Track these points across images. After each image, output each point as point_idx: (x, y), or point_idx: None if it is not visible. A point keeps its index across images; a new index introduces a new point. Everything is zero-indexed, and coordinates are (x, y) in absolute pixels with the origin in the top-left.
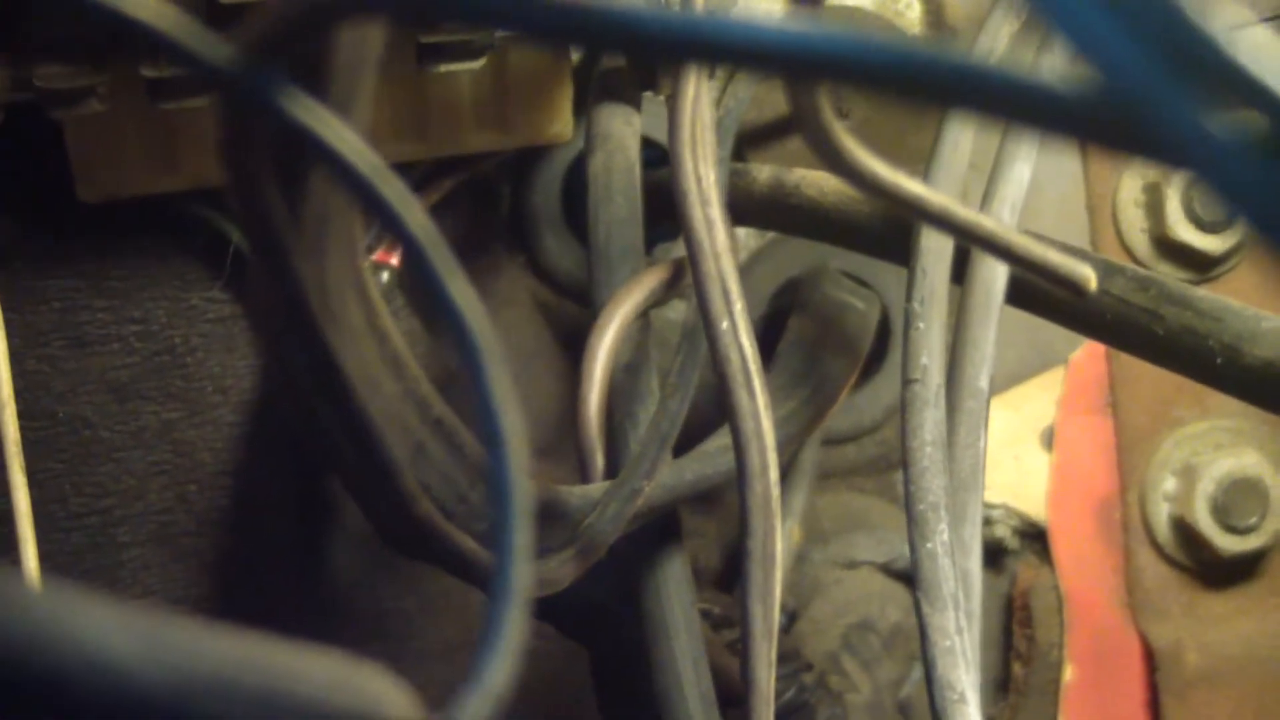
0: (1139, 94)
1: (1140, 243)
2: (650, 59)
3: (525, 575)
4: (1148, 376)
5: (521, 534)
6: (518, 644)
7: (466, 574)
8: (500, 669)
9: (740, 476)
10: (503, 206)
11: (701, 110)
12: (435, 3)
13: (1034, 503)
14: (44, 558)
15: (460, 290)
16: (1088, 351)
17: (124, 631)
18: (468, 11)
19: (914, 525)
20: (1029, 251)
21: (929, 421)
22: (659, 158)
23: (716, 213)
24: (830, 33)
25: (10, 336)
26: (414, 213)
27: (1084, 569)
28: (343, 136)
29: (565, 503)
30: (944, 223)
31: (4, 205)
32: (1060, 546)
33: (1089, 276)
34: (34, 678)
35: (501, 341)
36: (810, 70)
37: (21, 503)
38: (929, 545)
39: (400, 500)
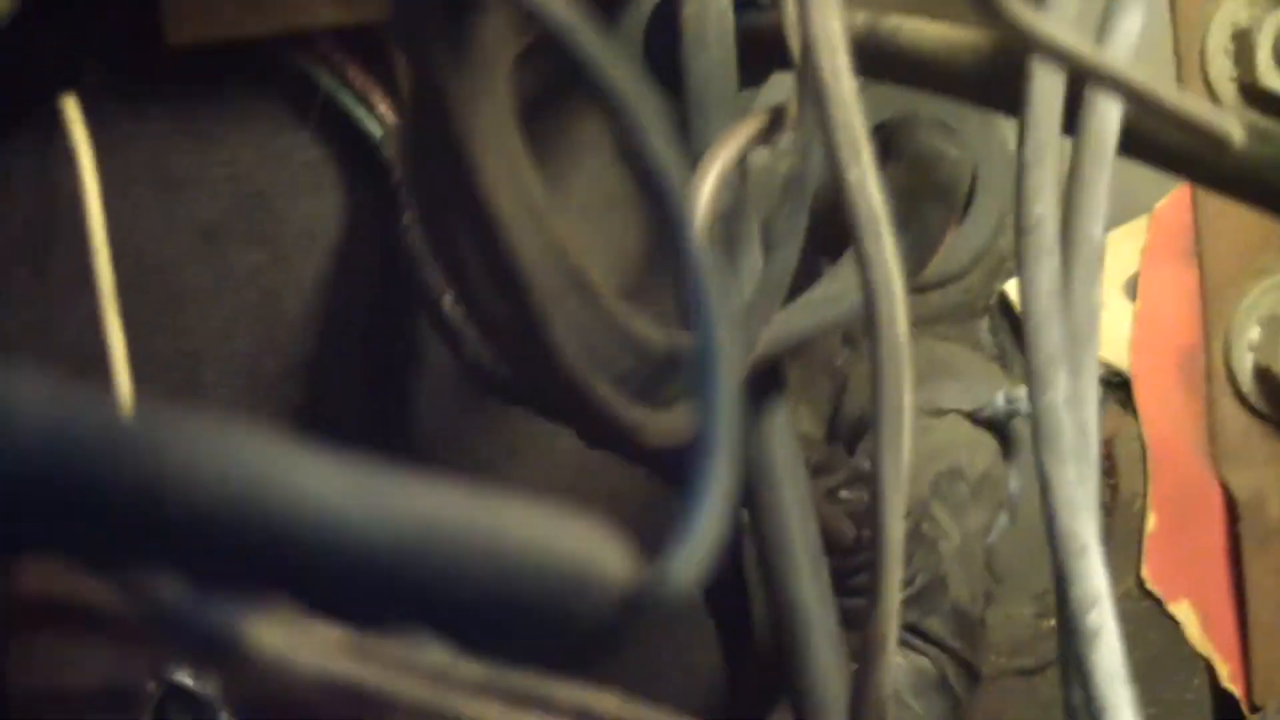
0: None
1: (1229, 91)
2: None
3: (734, 428)
4: (1233, 225)
5: (728, 385)
6: (727, 496)
7: (598, 425)
8: (711, 517)
9: (871, 326)
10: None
11: None
12: None
13: (1118, 351)
14: (133, 400)
15: (661, 146)
16: (1173, 200)
17: (343, 483)
18: None
19: (1032, 377)
20: (1175, 104)
21: (1045, 272)
22: (741, 4)
23: (843, 61)
24: None
25: (100, 180)
26: (615, 62)
27: (1167, 418)
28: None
29: (681, 351)
30: (1084, 67)
31: (93, 49)
32: (1144, 395)
33: (1233, 130)
34: (256, 532)
35: (583, 186)
36: None
37: (116, 344)
38: (1048, 398)
39: (547, 349)
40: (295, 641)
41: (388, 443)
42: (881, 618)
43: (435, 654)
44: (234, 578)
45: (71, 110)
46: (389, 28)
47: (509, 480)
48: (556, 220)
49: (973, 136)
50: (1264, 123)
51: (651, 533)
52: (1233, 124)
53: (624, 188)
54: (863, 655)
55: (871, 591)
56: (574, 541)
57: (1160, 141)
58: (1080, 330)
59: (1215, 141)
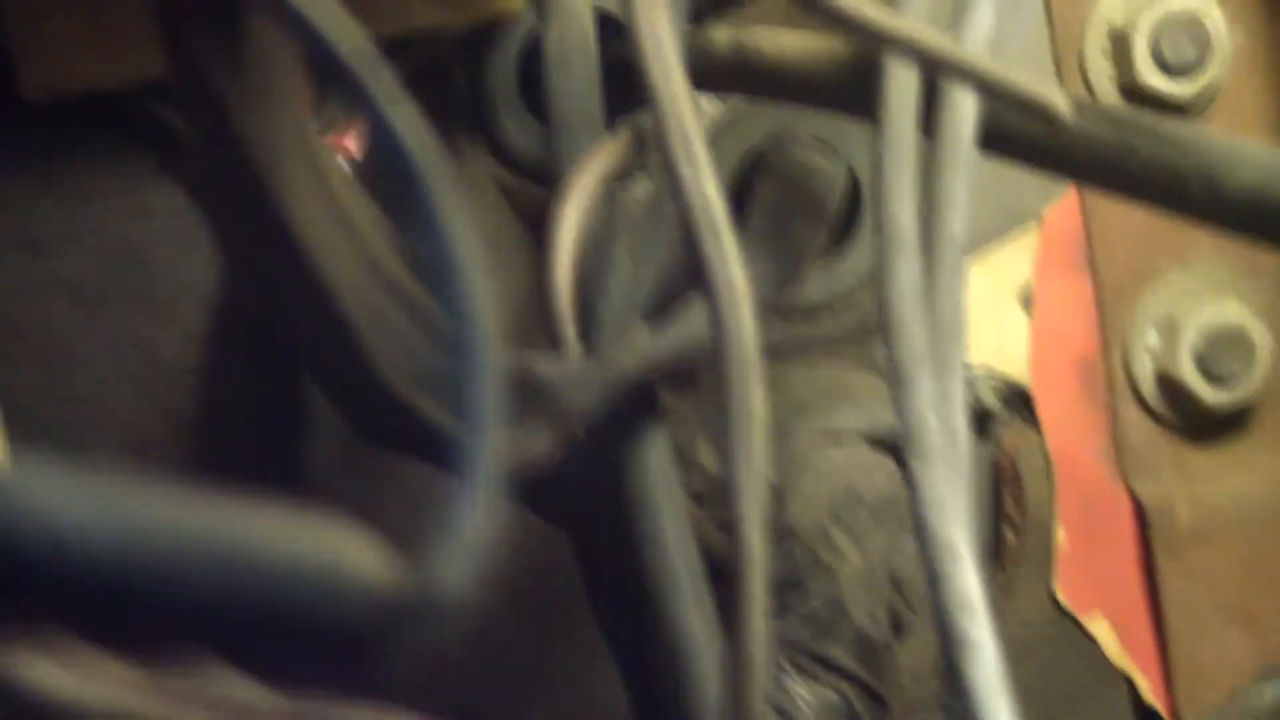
0: None
1: (1109, 92)
2: None
3: (497, 424)
4: (1124, 229)
5: (491, 383)
6: (493, 496)
7: (435, 446)
8: (478, 517)
9: (716, 329)
10: (458, 90)
11: None
12: None
13: (1016, 364)
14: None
15: (404, 115)
16: (1062, 207)
17: (74, 496)
18: None
19: (896, 379)
20: (1001, 77)
21: (904, 271)
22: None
23: (672, 57)
24: None
25: None
26: (349, 31)
27: (1070, 429)
28: (327, 13)
29: (539, 373)
30: (913, 50)
31: None
32: (1045, 407)
33: (1061, 103)
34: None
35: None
36: None
37: None
38: (914, 400)
39: (362, 366)
40: (80, 679)
41: (280, 499)
42: (749, 639)
43: (228, 686)
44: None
45: None
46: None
47: (406, 529)
48: (371, 233)
49: (858, 155)
50: (1100, 111)
51: (557, 572)
52: (1061, 98)
53: (504, 227)
54: (731, 681)
55: (734, 612)
56: (325, 544)
57: (1008, 131)
58: (945, 329)
59: (1049, 117)
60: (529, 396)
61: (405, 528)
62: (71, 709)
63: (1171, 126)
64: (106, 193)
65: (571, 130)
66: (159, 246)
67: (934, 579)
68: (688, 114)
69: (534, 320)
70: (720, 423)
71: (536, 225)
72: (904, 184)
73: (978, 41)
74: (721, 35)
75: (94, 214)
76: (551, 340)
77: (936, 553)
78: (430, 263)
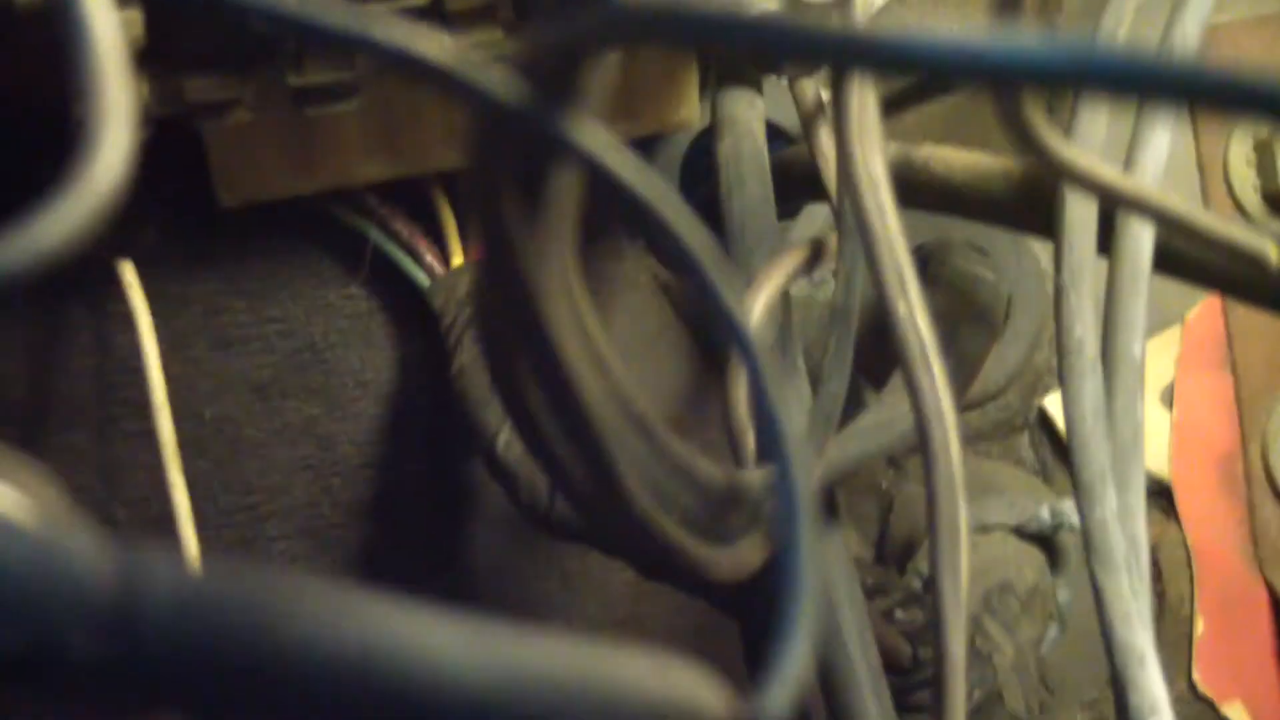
0: None
1: (1252, 200)
2: (844, 70)
3: (815, 565)
4: (1265, 331)
5: (810, 527)
6: (812, 631)
7: (671, 564)
8: (797, 655)
9: (925, 455)
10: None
11: (866, 94)
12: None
13: (1158, 460)
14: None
15: (736, 305)
16: (1204, 309)
17: (451, 637)
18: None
19: (1081, 494)
20: (1215, 230)
21: (1089, 391)
22: (772, 137)
23: (886, 198)
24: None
25: (158, 341)
26: (694, 231)
27: (1210, 523)
28: (625, 162)
29: (749, 485)
30: (1139, 207)
31: (149, 213)
32: (1185, 502)
33: (1270, 251)
34: (376, 696)
35: (625, 322)
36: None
37: (181, 503)
38: (1098, 513)
39: (619, 494)
40: None
41: (447, 584)
42: None
43: None
44: None
45: (129, 275)
46: (462, 185)
47: (566, 613)
48: (617, 366)
49: (1004, 257)
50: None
51: (708, 659)
52: (1268, 245)
53: (662, 323)
54: None
55: (937, 711)
56: (675, 684)
57: (1194, 260)
58: (1125, 445)
59: (1252, 262)
60: (737, 505)
61: (559, 605)
62: None
63: None
64: (291, 293)
65: (747, 243)
66: (339, 345)
67: (1121, 684)
68: (902, 253)
69: (689, 417)
70: (930, 541)
71: (693, 321)
72: (1086, 307)
73: (1155, 169)
74: (890, 151)
75: (278, 314)
76: (732, 446)
77: (1124, 658)
78: (760, 429)
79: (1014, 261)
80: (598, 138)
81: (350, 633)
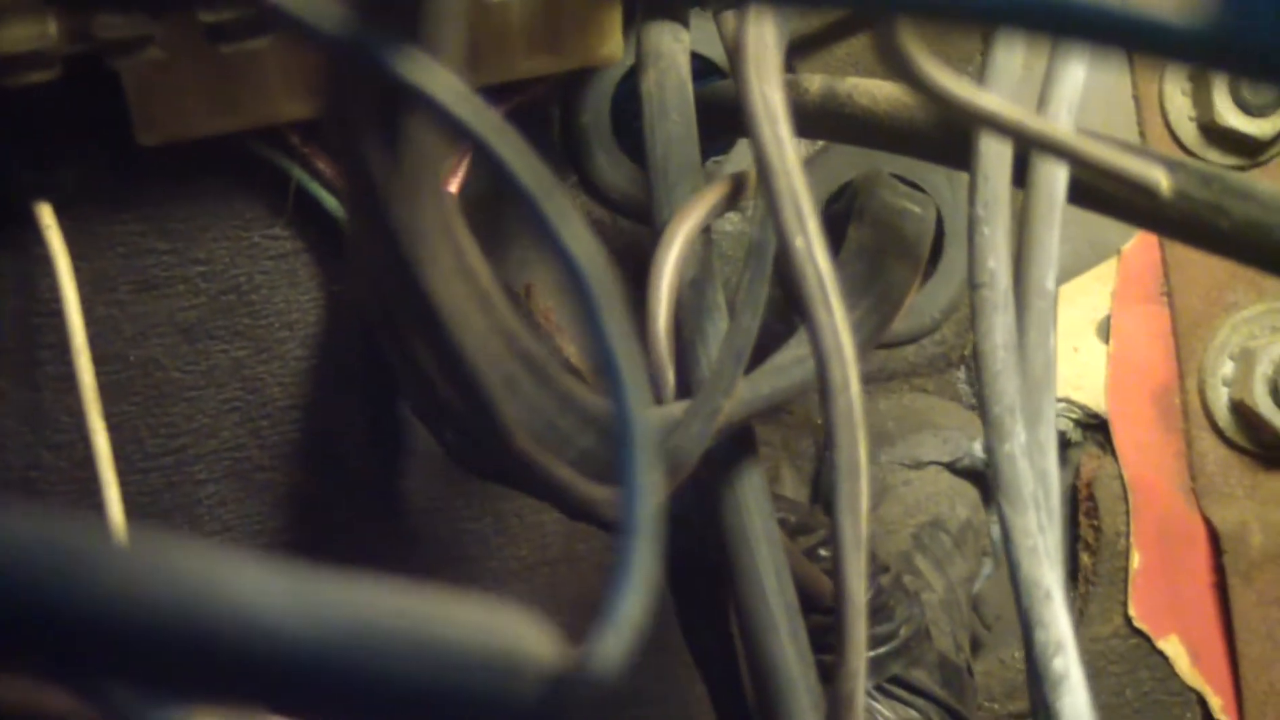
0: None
1: (1188, 131)
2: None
3: (654, 511)
4: (1201, 263)
5: (647, 471)
6: (651, 577)
7: (560, 501)
8: (636, 601)
9: (823, 392)
10: (553, 128)
11: (764, 29)
12: None
13: (1094, 394)
14: (124, 499)
15: (577, 235)
16: (1140, 241)
17: (272, 586)
18: None
19: (990, 429)
20: (1102, 158)
21: (999, 325)
22: (705, 72)
23: (785, 131)
24: None
25: (79, 284)
26: (529, 162)
27: (1146, 456)
28: (453, 89)
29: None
30: (1017, 134)
31: (66, 154)
32: (1122, 435)
33: (1160, 179)
34: (186, 639)
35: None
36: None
37: (101, 446)
38: (1006, 448)
39: (499, 434)
40: None
41: (380, 525)
42: (848, 675)
43: None
44: (184, 683)
45: (47, 217)
46: (322, 132)
47: (500, 553)
48: (502, 303)
49: (939, 189)
50: (1192, 171)
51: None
52: (1160, 174)
53: None
54: (829, 715)
55: (836, 651)
56: (500, 630)
57: (1103, 192)
58: (1036, 380)
59: (1146, 191)
60: None
61: (491, 548)
62: None
63: (1263, 187)
64: (216, 234)
65: (669, 177)
66: (265, 286)
67: (1027, 620)
68: (800, 186)
69: None
70: (827, 477)
71: (626, 258)
72: (1000, 241)
73: (1070, 100)
74: (815, 84)
75: (203, 255)
76: (651, 383)
77: (1030, 594)
78: (597, 360)
79: (950, 193)
80: (433, 73)
81: (168, 581)
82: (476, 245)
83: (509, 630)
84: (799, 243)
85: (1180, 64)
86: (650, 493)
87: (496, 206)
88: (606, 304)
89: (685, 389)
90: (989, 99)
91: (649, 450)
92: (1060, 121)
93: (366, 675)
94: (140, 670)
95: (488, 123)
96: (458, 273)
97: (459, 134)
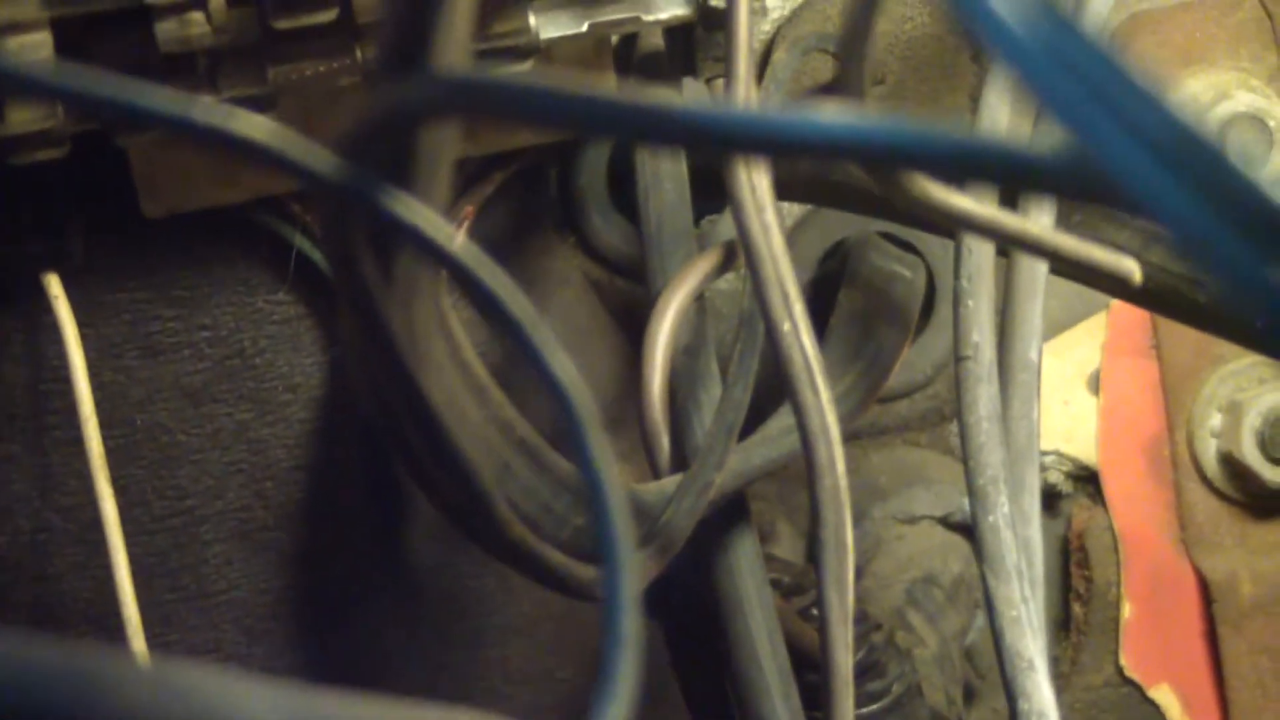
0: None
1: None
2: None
3: (636, 620)
4: None
5: (627, 580)
6: (633, 685)
7: (555, 584)
8: (618, 711)
9: (809, 471)
10: (550, 189)
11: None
12: (504, 106)
13: (1084, 446)
14: (131, 560)
15: (559, 362)
16: None
17: (271, 708)
18: (529, 115)
19: (975, 500)
20: (1075, 253)
21: (983, 397)
22: None
23: (771, 217)
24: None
25: (86, 350)
26: (511, 293)
27: (1136, 507)
28: (434, 224)
29: (642, 500)
30: (992, 233)
31: (73, 226)
32: (1112, 487)
33: (1132, 270)
34: None
35: (557, 319)
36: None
37: (109, 511)
38: (990, 519)
39: (493, 523)
40: None
41: (385, 584)
42: None
43: None
44: None
45: (55, 287)
46: (297, 222)
47: (504, 611)
48: (498, 393)
49: (932, 246)
50: (1159, 252)
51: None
52: (1131, 267)
53: (593, 319)
54: None
55: None
56: None
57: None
58: (1020, 450)
59: (1120, 281)
60: (633, 516)
61: (495, 604)
62: None
63: None
64: (220, 300)
65: (663, 244)
66: (269, 350)
67: (1009, 689)
68: (786, 271)
69: (620, 409)
70: (815, 557)
71: (623, 316)
72: (984, 311)
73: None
74: None
75: (208, 321)
76: (646, 451)
77: (1013, 665)
78: (582, 478)
79: (941, 249)
80: (417, 211)
81: (182, 705)
82: (469, 339)
83: None
84: (785, 327)
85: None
86: (633, 606)
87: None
88: (588, 424)
89: (680, 456)
90: (961, 201)
91: (630, 564)
92: (1040, 214)
93: None
94: None
95: (474, 258)
96: (452, 368)
97: (447, 268)
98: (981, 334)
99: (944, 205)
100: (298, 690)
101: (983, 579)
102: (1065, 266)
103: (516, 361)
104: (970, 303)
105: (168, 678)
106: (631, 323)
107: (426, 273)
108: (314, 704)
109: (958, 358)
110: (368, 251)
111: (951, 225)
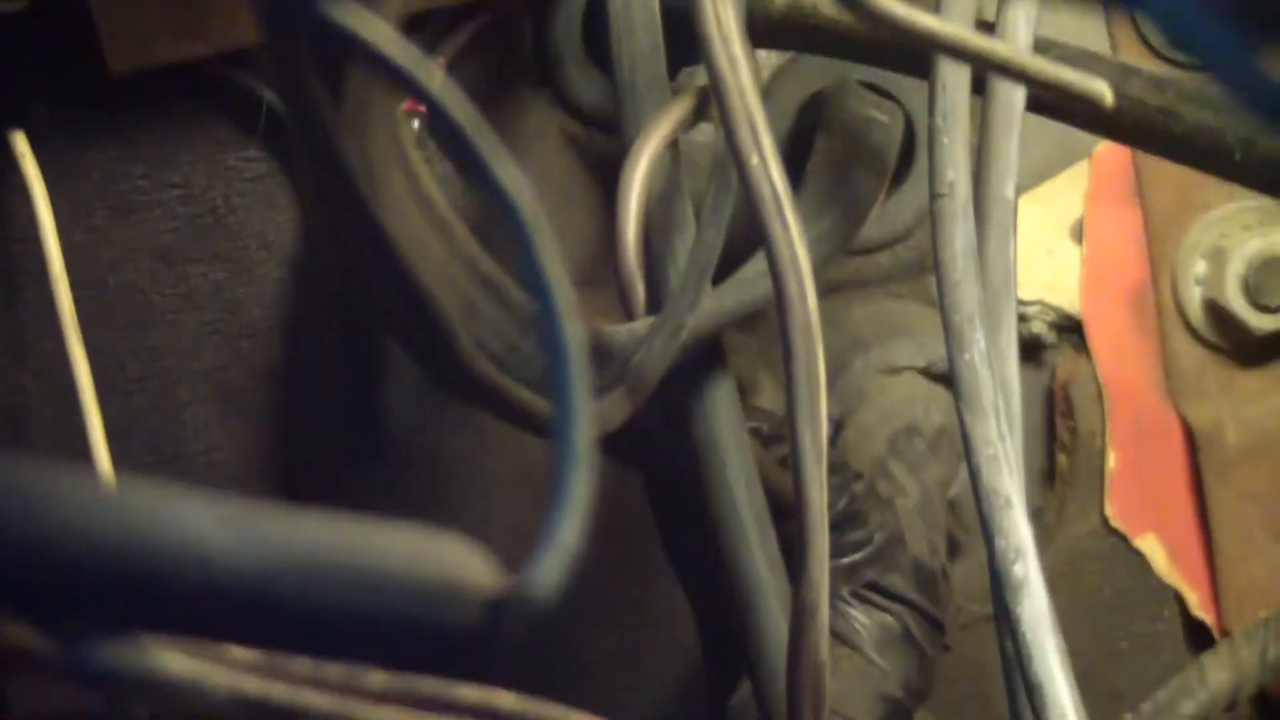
0: None
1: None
2: None
3: (589, 434)
4: (1173, 164)
5: (580, 395)
6: (586, 502)
7: (524, 422)
8: (571, 527)
9: (780, 305)
10: (525, 43)
11: None
12: None
13: (1068, 295)
14: (108, 423)
15: (502, 165)
16: (1112, 143)
17: (215, 521)
18: None
19: (951, 337)
20: (1044, 73)
21: (959, 234)
22: None
23: (739, 50)
24: None
25: (55, 210)
26: (454, 99)
27: (1121, 356)
28: (382, 34)
29: (612, 341)
30: (959, 53)
31: (37, 83)
32: (1096, 336)
33: (1104, 92)
34: (131, 573)
35: (534, 175)
36: None
37: (82, 374)
38: (967, 356)
39: (458, 360)
40: (205, 666)
41: (363, 444)
42: (810, 586)
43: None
44: (134, 615)
45: (21, 145)
46: (266, 77)
47: (483, 470)
48: (461, 228)
49: (911, 95)
50: (1145, 77)
51: (629, 507)
52: (1102, 88)
53: (571, 174)
54: (793, 624)
55: (798, 562)
56: (439, 559)
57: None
58: (996, 287)
59: (1091, 103)
60: (604, 361)
61: (475, 463)
62: (196, 691)
63: (1213, 92)
64: (190, 158)
65: (637, 92)
66: (241, 208)
67: (986, 526)
68: (754, 104)
69: (600, 265)
70: (787, 393)
71: (601, 170)
72: (959, 150)
73: (1026, 20)
74: None
75: (179, 179)
76: (621, 298)
77: (989, 502)
78: (528, 286)
79: (921, 100)
80: (364, 19)
81: (118, 517)
82: (430, 173)
83: (449, 559)
84: (754, 161)
85: None
86: (584, 416)
87: None
88: (538, 235)
89: (655, 301)
90: (928, 19)
91: (581, 372)
92: (1018, 30)
93: (308, 604)
94: (91, 602)
95: (416, 61)
96: (413, 200)
97: (390, 74)
98: (957, 171)
99: (908, 24)
100: (241, 504)
101: (959, 417)
102: (1037, 90)
103: (492, 216)
104: (945, 140)
105: (110, 490)
106: (609, 179)
107: (380, 94)
108: (256, 517)
109: (933, 195)
110: (316, 70)
111: (917, 46)
